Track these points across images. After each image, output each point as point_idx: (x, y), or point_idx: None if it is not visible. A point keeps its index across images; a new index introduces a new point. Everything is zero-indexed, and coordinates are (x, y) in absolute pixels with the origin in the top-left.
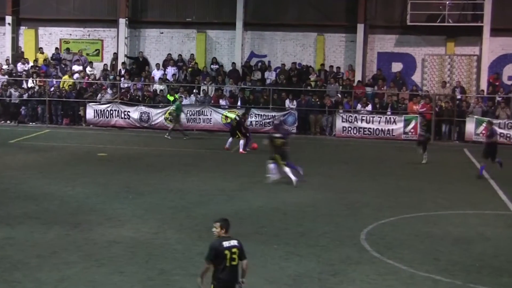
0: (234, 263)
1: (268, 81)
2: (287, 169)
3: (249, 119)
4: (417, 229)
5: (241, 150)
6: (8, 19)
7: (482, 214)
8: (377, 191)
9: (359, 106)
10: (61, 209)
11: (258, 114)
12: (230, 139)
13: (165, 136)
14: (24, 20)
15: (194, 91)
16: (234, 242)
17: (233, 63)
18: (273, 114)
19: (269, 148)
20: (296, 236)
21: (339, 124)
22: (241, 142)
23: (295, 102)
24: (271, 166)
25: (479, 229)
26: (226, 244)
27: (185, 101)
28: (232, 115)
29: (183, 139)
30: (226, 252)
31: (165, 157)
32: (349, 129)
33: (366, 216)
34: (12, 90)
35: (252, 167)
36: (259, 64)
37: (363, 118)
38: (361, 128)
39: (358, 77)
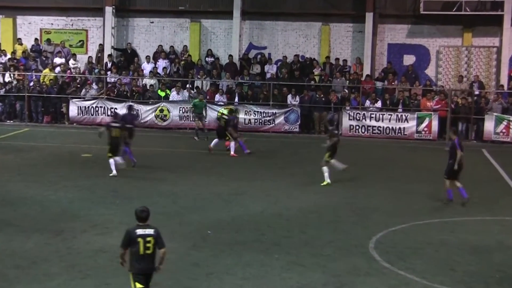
0: (148, 251)
1: (268, 75)
2: (112, 161)
3: (248, 117)
4: (431, 237)
5: (232, 152)
6: None
7: (502, 220)
8: (387, 195)
9: (367, 103)
10: (42, 215)
11: (257, 111)
12: (216, 140)
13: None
14: (1, 8)
15: (187, 86)
16: (149, 231)
17: (230, 56)
18: (274, 111)
19: (107, 139)
20: (299, 245)
21: (346, 122)
22: (232, 144)
23: (297, 98)
24: (112, 161)
25: (498, 237)
26: (140, 231)
27: (177, 97)
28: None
29: (194, 138)
30: (139, 239)
31: (156, 158)
32: (357, 127)
33: (375, 222)
34: None
35: (251, 169)
36: (259, 56)
37: (372, 115)
38: (369, 126)
39: (366, 70)
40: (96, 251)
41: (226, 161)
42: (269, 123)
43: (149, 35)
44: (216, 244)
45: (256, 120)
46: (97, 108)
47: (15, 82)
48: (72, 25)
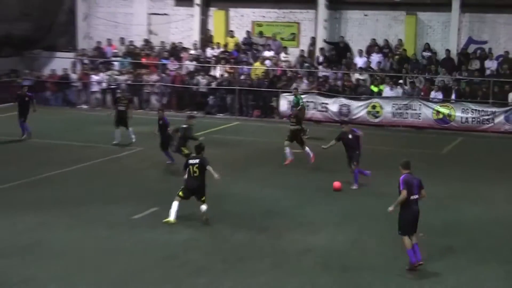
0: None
1: (488, 72)
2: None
3: (465, 115)
4: None
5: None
6: None
7: None
8: None
9: None
10: (247, 211)
11: (475, 110)
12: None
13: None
14: (214, 1)
15: (401, 81)
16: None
17: (447, 50)
18: (493, 110)
19: None
20: None
21: None
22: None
23: None
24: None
25: None
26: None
27: (390, 93)
28: (446, 111)
29: None
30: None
31: (368, 157)
32: None
33: None
34: (200, 78)
35: (466, 171)
36: (478, 51)
37: None
38: None
39: None
40: (301, 251)
41: (439, 161)
42: (487, 122)
43: (363, 28)
44: (427, 248)
45: (474, 119)
46: (307, 103)
47: (226, 75)
48: (284, 17)
